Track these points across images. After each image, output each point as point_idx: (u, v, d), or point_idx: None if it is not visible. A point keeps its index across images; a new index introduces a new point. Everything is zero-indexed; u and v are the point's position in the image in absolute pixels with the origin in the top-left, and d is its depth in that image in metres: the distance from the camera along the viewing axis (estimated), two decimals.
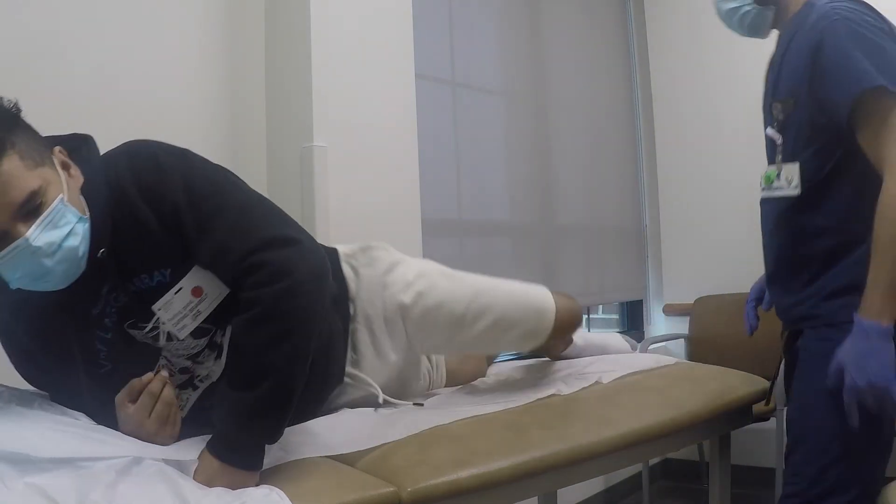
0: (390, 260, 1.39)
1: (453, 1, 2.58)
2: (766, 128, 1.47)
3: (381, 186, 2.03)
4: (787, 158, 1.40)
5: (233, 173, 1.14)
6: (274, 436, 1.03)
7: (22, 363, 1.15)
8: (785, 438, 1.49)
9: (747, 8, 1.49)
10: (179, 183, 1.05)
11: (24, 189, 0.92)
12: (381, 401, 1.31)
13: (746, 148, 3.34)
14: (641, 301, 3.59)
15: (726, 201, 3.40)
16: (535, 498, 1.98)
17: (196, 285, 1.08)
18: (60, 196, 0.97)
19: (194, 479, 0.97)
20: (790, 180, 1.39)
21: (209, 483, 0.96)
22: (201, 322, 1.09)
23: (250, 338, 1.00)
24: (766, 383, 1.61)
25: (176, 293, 1.07)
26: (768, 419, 2.70)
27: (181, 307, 1.08)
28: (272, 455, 1.04)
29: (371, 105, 2.05)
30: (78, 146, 1.08)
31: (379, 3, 2.10)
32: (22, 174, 0.92)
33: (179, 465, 0.98)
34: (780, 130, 1.42)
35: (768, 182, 1.44)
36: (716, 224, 3.44)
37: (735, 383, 1.59)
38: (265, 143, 1.99)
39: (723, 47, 3.44)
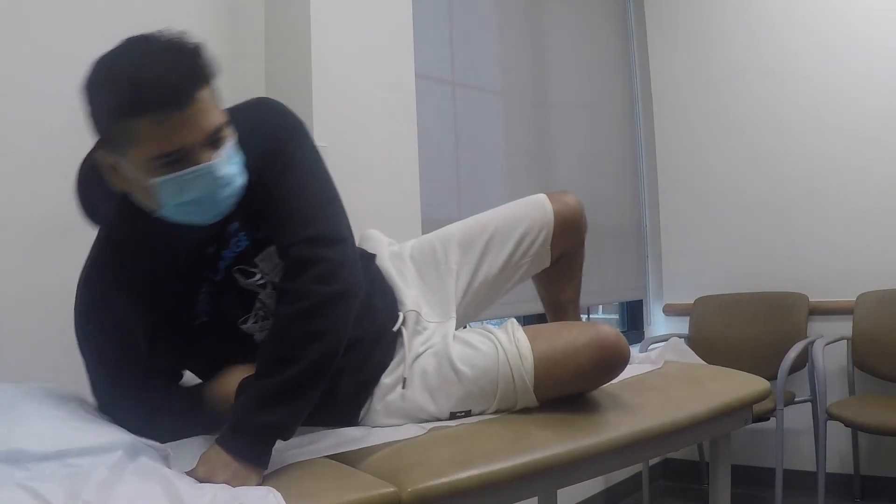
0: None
1: (453, 1, 2.58)
2: None
3: (381, 186, 2.03)
4: None
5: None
6: (288, 427, 1.05)
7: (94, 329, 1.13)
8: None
9: None
10: (293, 145, 1.14)
11: (215, 121, 0.99)
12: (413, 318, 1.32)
13: (747, 148, 3.36)
14: (641, 301, 3.59)
15: (726, 201, 3.41)
16: (535, 498, 1.98)
17: None
18: (232, 139, 1.03)
19: (195, 473, 0.97)
20: None
21: (210, 475, 0.96)
22: None
23: (290, 328, 1.05)
24: (766, 383, 1.61)
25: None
26: (768, 419, 2.70)
27: (279, 259, 1.14)
28: (273, 455, 1.04)
29: (371, 105, 2.04)
30: None
31: (379, 3, 2.10)
32: (213, 107, 0.99)
33: (174, 457, 0.98)
34: None
35: None
36: (716, 224, 3.44)
37: (735, 383, 1.59)
38: None
39: (723, 47, 3.45)
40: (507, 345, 1.26)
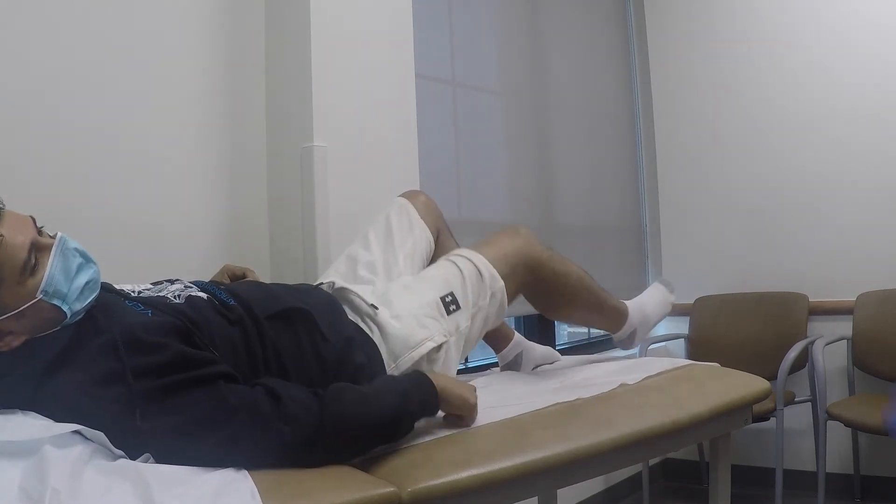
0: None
1: (453, 1, 2.58)
2: None
3: (381, 186, 2.03)
4: None
5: None
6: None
7: None
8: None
9: None
10: None
11: (27, 215, 1.04)
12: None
13: (746, 148, 3.36)
14: None
15: (726, 201, 3.41)
16: (535, 498, 1.97)
17: None
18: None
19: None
20: None
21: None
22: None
23: None
24: (766, 383, 1.61)
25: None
26: (768, 419, 2.70)
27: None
28: None
29: (371, 105, 2.05)
30: None
31: (379, 3, 2.10)
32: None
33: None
34: None
35: None
36: (716, 224, 3.44)
37: (735, 383, 1.59)
38: (265, 142, 1.99)
39: (723, 47, 3.45)
40: (456, 256, 1.55)
